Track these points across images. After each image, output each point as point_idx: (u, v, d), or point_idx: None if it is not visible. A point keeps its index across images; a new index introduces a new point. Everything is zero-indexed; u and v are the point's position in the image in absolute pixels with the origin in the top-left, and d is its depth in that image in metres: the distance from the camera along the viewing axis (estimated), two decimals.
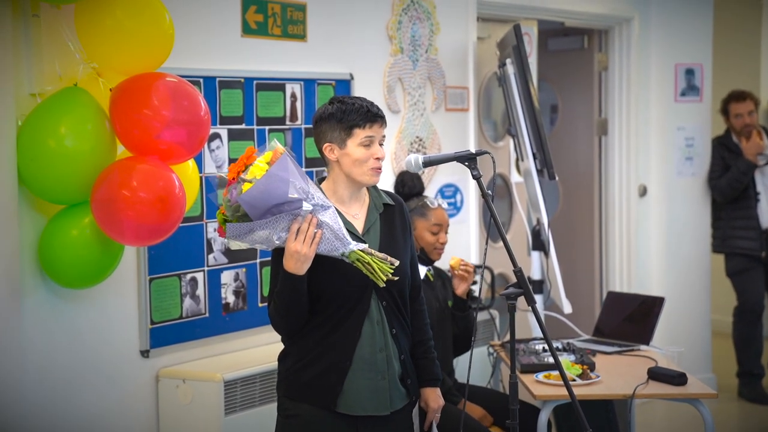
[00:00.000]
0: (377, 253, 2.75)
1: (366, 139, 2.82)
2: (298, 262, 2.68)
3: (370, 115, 2.83)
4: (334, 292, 2.82)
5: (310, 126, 4.16)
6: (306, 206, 2.65)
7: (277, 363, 2.96)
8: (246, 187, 2.63)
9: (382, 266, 2.73)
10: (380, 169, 2.85)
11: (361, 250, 2.73)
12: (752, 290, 5.96)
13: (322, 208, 2.69)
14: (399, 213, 3.01)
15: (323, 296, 2.82)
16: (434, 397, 3.04)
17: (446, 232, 3.95)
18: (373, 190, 2.98)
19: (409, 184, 4.14)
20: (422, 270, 3.91)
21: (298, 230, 2.65)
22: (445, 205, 4.06)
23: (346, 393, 2.83)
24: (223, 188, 2.76)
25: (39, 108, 3.00)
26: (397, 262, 2.76)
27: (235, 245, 2.75)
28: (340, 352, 2.83)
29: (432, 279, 3.95)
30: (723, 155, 6.03)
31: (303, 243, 2.65)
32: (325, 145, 2.86)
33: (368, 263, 2.73)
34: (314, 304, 2.82)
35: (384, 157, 2.86)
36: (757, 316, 5.97)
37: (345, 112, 2.83)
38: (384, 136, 2.88)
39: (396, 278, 2.77)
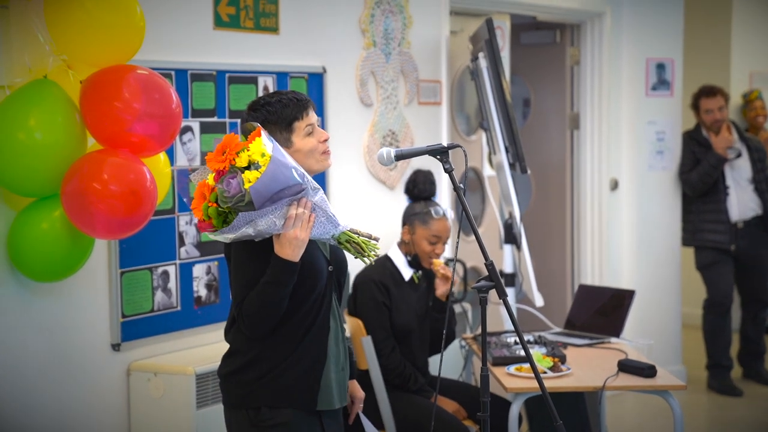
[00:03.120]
0: (363, 231, 2.72)
1: (308, 128, 2.77)
2: (296, 249, 2.61)
3: (301, 104, 2.77)
4: (310, 287, 2.76)
5: None
6: (308, 190, 2.58)
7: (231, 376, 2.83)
8: (251, 175, 2.51)
9: (369, 244, 2.70)
10: (329, 150, 2.82)
11: (350, 230, 2.69)
12: (721, 283, 6.02)
13: (314, 190, 2.63)
14: None
15: (296, 294, 2.74)
16: (357, 388, 3.05)
17: (445, 243, 3.88)
18: None
19: (420, 187, 3.98)
20: (408, 272, 3.92)
21: (296, 215, 2.59)
22: (451, 216, 3.97)
23: (322, 389, 2.80)
24: (194, 181, 2.69)
25: (8, 100, 2.97)
26: (380, 238, 2.75)
27: (222, 238, 2.61)
28: (317, 348, 2.78)
29: (417, 281, 3.96)
30: (693, 149, 6.08)
31: (300, 228, 2.61)
32: None
33: (356, 243, 2.68)
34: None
35: (328, 137, 2.83)
36: (726, 309, 6.02)
37: (277, 113, 2.75)
38: (319, 119, 2.84)
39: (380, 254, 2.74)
